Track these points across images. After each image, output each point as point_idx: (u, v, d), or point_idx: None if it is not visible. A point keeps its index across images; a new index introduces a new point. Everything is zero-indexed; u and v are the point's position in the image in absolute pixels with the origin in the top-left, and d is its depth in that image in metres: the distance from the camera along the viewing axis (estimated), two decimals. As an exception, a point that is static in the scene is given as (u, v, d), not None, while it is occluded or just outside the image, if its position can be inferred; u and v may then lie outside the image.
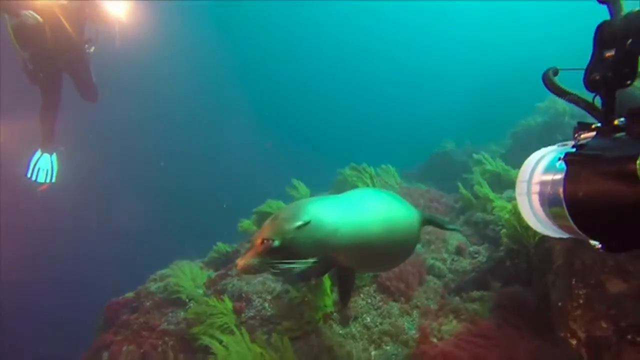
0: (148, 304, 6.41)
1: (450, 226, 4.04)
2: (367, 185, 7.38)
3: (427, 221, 3.68)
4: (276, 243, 2.39)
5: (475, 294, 3.93)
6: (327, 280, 4.76)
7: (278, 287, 5.70)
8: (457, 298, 4.23)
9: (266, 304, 5.40)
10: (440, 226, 3.97)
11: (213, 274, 6.63)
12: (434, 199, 7.57)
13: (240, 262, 2.43)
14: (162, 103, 27.30)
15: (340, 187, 7.51)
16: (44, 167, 7.04)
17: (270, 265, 2.41)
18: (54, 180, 7.10)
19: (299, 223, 2.43)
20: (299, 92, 34.93)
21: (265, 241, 2.40)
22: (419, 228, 3.35)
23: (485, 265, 5.16)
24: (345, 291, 3.59)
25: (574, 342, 3.02)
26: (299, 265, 2.39)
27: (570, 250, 3.04)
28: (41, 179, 6.98)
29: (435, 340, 3.55)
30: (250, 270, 2.45)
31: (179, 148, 27.93)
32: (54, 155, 7.21)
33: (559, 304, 3.17)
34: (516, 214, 4.10)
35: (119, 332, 6.03)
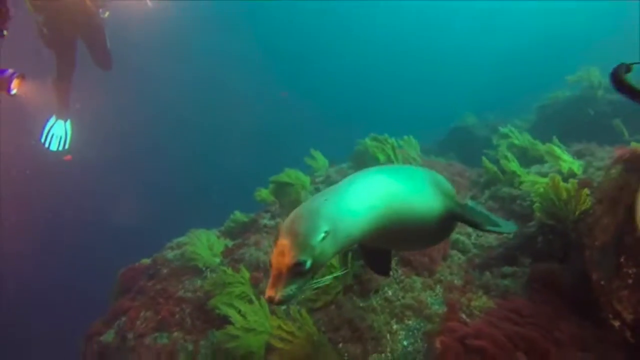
0: (165, 271, 6.38)
1: (491, 227, 2.94)
2: (388, 157, 7.14)
3: (456, 216, 2.94)
4: (308, 264, 2.17)
5: (507, 269, 3.75)
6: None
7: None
8: (487, 273, 4.04)
9: (284, 274, 5.30)
10: (476, 225, 3.03)
11: (230, 243, 6.55)
12: (457, 173, 7.30)
13: (275, 295, 2.13)
14: (178, 67, 26.92)
15: (360, 158, 7.30)
16: (58, 133, 6.99)
17: (307, 287, 2.25)
18: (67, 147, 7.06)
19: (322, 235, 2.22)
20: (320, 62, 34.23)
21: (296, 267, 2.15)
22: (439, 218, 2.84)
23: (513, 241, 4.94)
24: (382, 266, 3.38)
25: (617, 323, 2.82)
26: (331, 277, 2.20)
27: (619, 226, 2.81)
28: (54, 146, 6.93)
29: (464, 316, 3.40)
30: (290, 300, 2.23)
31: (196, 117, 27.81)
32: (69, 122, 7.15)
33: (602, 282, 2.97)
34: (554, 187, 3.85)
35: (136, 298, 6.03)
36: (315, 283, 2.31)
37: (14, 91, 4.40)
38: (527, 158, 7.39)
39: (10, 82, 4.36)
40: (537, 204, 4.10)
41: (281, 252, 2.16)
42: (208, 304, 4.97)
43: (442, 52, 34.39)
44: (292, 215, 2.34)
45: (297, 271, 2.15)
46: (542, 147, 6.40)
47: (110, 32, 7.27)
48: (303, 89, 32.22)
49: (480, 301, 3.57)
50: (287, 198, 7.11)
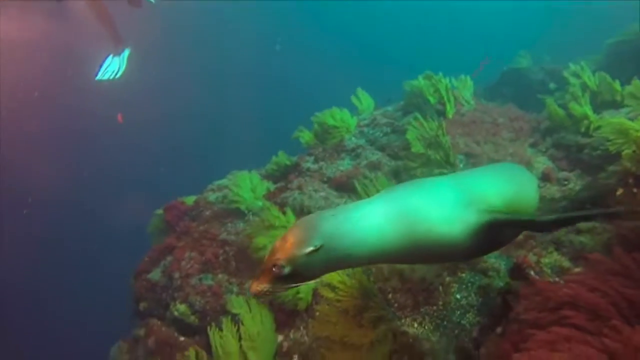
0: (207, 213, 6.35)
1: (544, 219, 2.60)
2: (440, 98, 6.59)
3: (498, 224, 2.57)
4: (286, 270, 2.27)
5: (584, 225, 3.38)
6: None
7: (342, 202, 5.37)
8: (558, 228, 3.67)
9: (330, 221, 5.11)
10: (533, 226, 2.77)
11: (272, 187, 6.40)
12: (516, 118, 6.70)
13: (253, 286, 2.33)
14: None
15: (411, 99, 6.78)
16: (112, 68, 7.03)
17: (283, 289, 2.36)
18: (119, 75, 7.08)
19: (310, 249, 2.27)
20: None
21: (275, 268, 2.27)
22: (472, 235, 2.52)
23: (582, 193, 4.49)
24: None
25: None
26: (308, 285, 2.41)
27: None
28: (106, 76, 6.97)
29: (532, 273, 3.11)
30: (263, 295, 2.39)
31: (238, 60, 27.31)
32: (126, 52, 7.18)
33: None
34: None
35: (181, 239, 6.06)
36: (293, 287, 2.39)
37: None
38: (597, 103, 6.66)
39: None
40: (627, 151, 3.58)
41: (272, 249, 2.31)
42: (251, 247, 4.89)
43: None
44: (298, 220, 2.48)
45: (275, 273, 2.26)
46: (627, 89, 5.60)
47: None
48: (347, 26, 30.52)
49: (551, 258, 3.25)
50: (331, 141, 6.80)
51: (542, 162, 5.68)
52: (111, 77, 7.04)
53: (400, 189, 2.73)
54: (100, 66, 7.07)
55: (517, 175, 3.36)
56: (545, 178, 5.33)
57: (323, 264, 2.34)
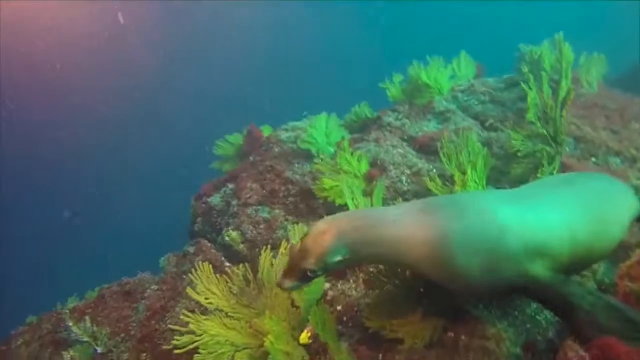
0: (276, 150, 6.15)
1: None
2: (555, 73, 5.66)
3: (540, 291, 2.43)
4: (319, 274, 2.51)
5: None
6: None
7: (420, 163, 4.86)
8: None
9: (403, 178, 4.65)
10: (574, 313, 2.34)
11: (348, 136, 6.01)
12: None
13: (284, 285, 2.52)
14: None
15: (523, 68, 5.92)
16: None
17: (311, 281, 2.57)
18: None
19: (339, 259, 2.45)
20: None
21: (309, 271, 2.45)
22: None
23: None
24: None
25: None
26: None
27: None
28: None
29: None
30: (294, 290, 2.80)
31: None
32: None
33: None
34: None
35: (247, 170, 5.94)
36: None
37: None
38: None
39: None
40: None
41: (303, 252, 2.43)
42: (316, 186, 4.58)
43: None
44: (325, 224, 2.47)
45: (308, 275, 2.47)
46: None
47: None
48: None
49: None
50: (420, 100, 6.21)
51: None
52: None
53: (441, 203, 2.67)
54: None
55: (605, 197, 2.79)
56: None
57: (342, 264, 2.51)
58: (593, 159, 4.67)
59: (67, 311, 4.32)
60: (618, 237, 2.72)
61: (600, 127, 5.10)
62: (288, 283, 2.49)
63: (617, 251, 2.90)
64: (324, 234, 2.41)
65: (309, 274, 2.45)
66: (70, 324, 3.99)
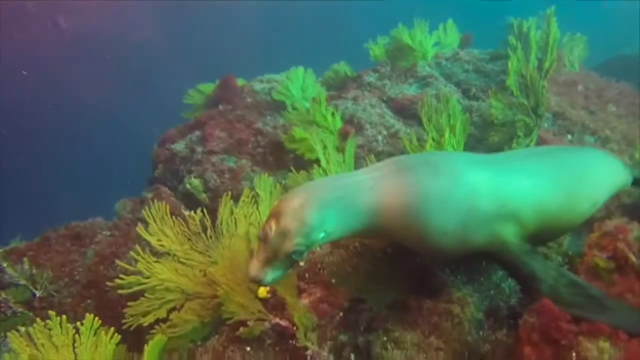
0: (249, 100, 5.82)
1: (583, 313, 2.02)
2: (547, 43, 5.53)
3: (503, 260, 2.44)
4: (304, 255, 2.18)
5: None
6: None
7: (397, 125, 4.67)
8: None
9: (379, 137, 4.46)
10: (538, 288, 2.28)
11: (325, 93, 5.73)
12: (631, 95, 5.57)
13: (264, 278, 2.12)
14: None
15: (509, 40, 5.75)
16: None
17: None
18: None
19: (323, 235, 2.16)
20: None
21: (295, 254, 2.10)
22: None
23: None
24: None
25: None
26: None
27: None
28: None
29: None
30: (273, 283, 2.24)
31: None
32: None
33: None
34: None
35: (215, 118, 5.58)
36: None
37: None
38: None
39: None
40: None
41: (283, 234, 2.08)
42: (287, 136, 4.32)
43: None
44: (298, 198, 2.16)
45: (293, 259, 2.13)
46: None
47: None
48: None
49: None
50: (402, 63, 5.97)
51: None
52: None
53: (414, 163, 2.43)
54: None
55: (583, 171, 2.78)
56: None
57: (323, 240, 2.22)
58: (569, 136, 4.64)
59: (1, 251, 3.95)
60: (587, 213, 2.73)
61: (579, 106, 5.06)
62: (271, 274, 2.13)
63: (583, 224, 2.88)
64: (301, 208, 2.12)
65: (294, 257, 2.10)
66: (5, 264, 3.65)
